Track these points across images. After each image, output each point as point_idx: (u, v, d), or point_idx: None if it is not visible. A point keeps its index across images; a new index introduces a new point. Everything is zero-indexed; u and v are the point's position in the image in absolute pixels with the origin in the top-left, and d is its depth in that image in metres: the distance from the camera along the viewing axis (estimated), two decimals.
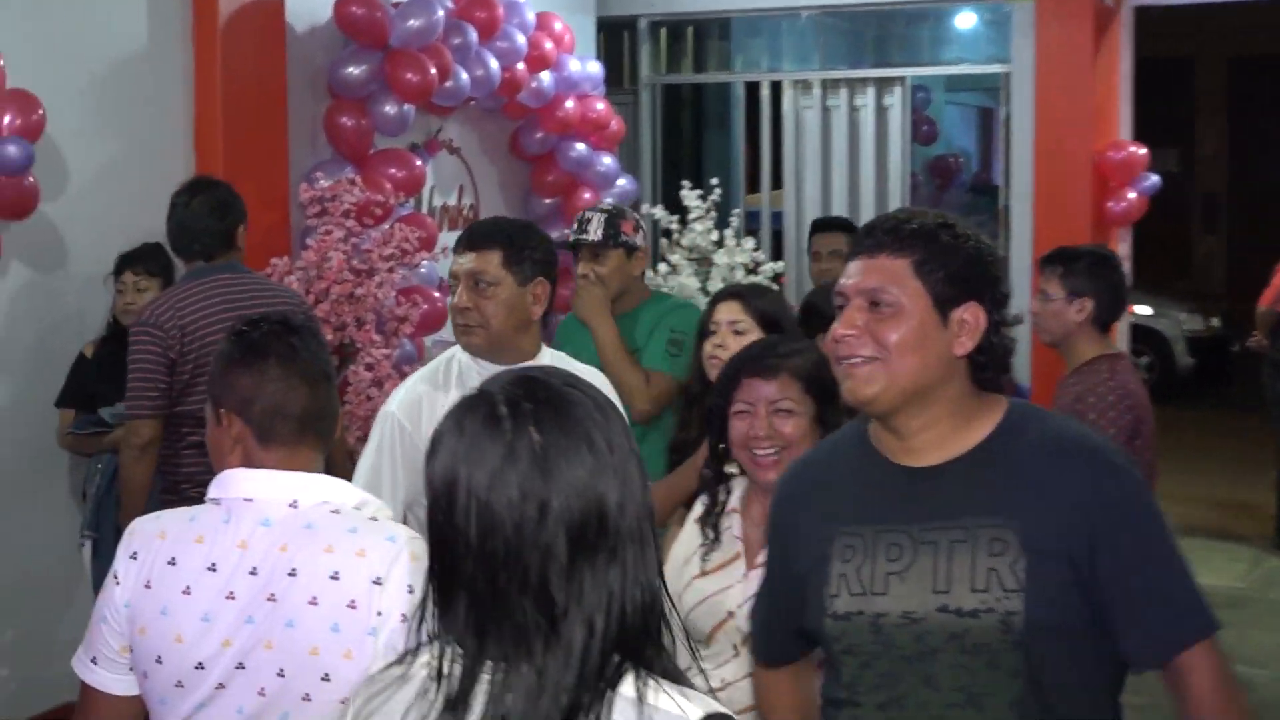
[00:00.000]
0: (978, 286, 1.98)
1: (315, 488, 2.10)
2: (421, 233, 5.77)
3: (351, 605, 2.01)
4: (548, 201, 7.35)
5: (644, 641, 1.36)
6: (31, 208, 4.79)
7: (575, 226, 4.15)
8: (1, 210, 4.57)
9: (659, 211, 6.75)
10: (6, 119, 4.66)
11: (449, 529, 1.38)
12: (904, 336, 1.95)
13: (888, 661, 1.95)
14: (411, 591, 1.99)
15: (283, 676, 2.03)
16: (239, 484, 2.11)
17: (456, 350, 3.10)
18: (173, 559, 2.10)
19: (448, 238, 6.52)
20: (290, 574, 2.05)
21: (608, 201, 4.25)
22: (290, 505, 2.09)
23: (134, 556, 2.13)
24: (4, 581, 4.89)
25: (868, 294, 1.97)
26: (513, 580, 1.35)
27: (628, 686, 1.36)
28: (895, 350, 1.95)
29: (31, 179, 4.75)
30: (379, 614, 2.00)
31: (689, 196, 6.56)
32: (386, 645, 1.99)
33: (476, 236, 3.00)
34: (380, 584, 2.01)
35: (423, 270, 6.08)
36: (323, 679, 2.01)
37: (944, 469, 1.96)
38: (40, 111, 4.77)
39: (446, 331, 5.83)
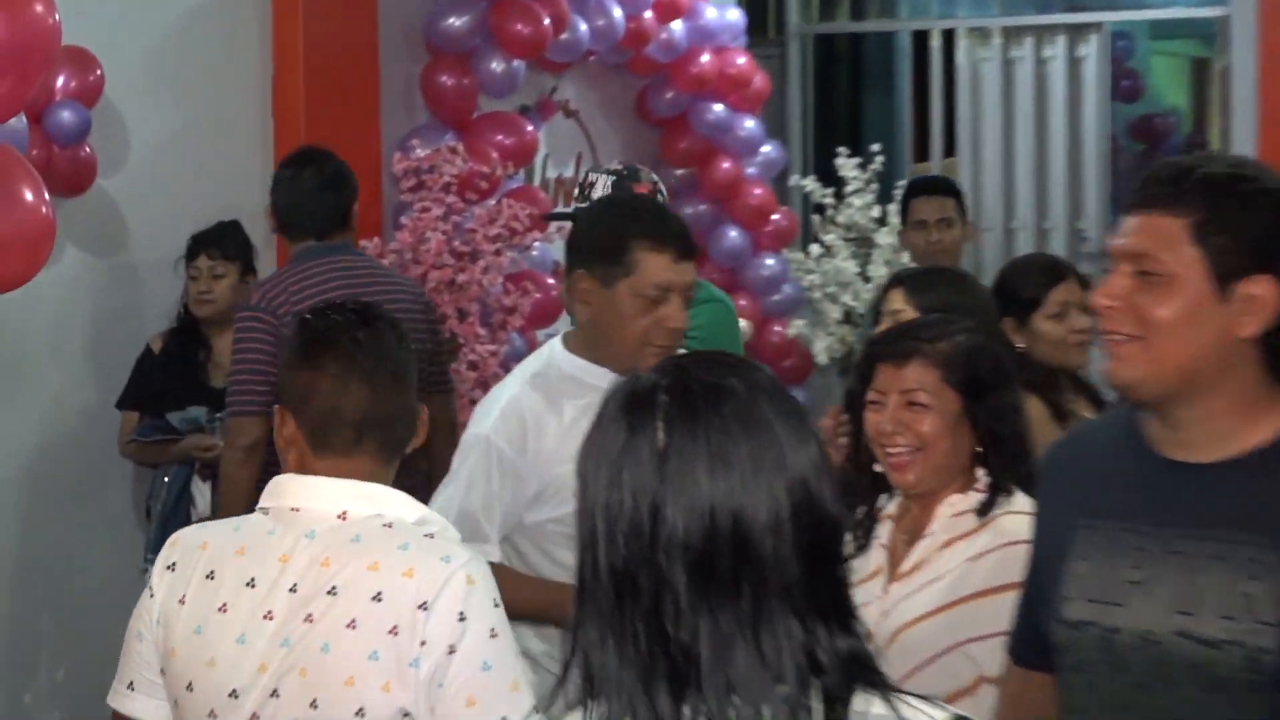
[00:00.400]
0: (1273, 255, 1.90)
1: (370, 498, 2.15)
2: (533, 209, 5.79)
3: (393, 631, 2.06)
4: (679, 172, 7.35)
5: (855, 675, 1.41)
6: (88, 182, 4.86)
7: (577, 193, 3.98)
8: (55, 185, 4.53)
9: (810, 183, 6.76)
10: (60, 81, 4.68)
11: (588, 540, 1.44)
12: (1171, 313, 1.89)
13: (1118, 687, 1.93)
14: (463, 619, 2.04)
15: (315, 708, 2.07)
16: (288, 491, 2.19)
17: (552, 351, 3.07)
18: (211, 572, 2.18)
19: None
20: (330, 592, 2.10)
21: (616, 163, 4.03)
22: (339, 516, 2.14)
23: (171, 568, 2.22)
24: (56, 611, 4.96)
25: (1134, 259, 1.92)
26: (634, 608, 1.40)
27: (876, 706, 1.41)
28: (1159, 329, 1.90)
29: (88, 149, 4.81)
30: (423, 643, 2.04)
31: (846, 166, 6.58)
32: (430, 680, 2.03)
33: (690, 242, 2.97)
34: (426, 609, 2.05)
35: (535, 253, 6.09)
36: (356, 714, 2.05)
37: (1215, 469, 1.91)
38: (98, 72, 4.80)
39: (562, 323, 5.84)
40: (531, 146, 6.19)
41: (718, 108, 7.14)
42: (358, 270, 4.32)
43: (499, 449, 2.98)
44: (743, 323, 5.62)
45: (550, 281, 6.11)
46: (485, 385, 5.33)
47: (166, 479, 4.76)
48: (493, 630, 2.10)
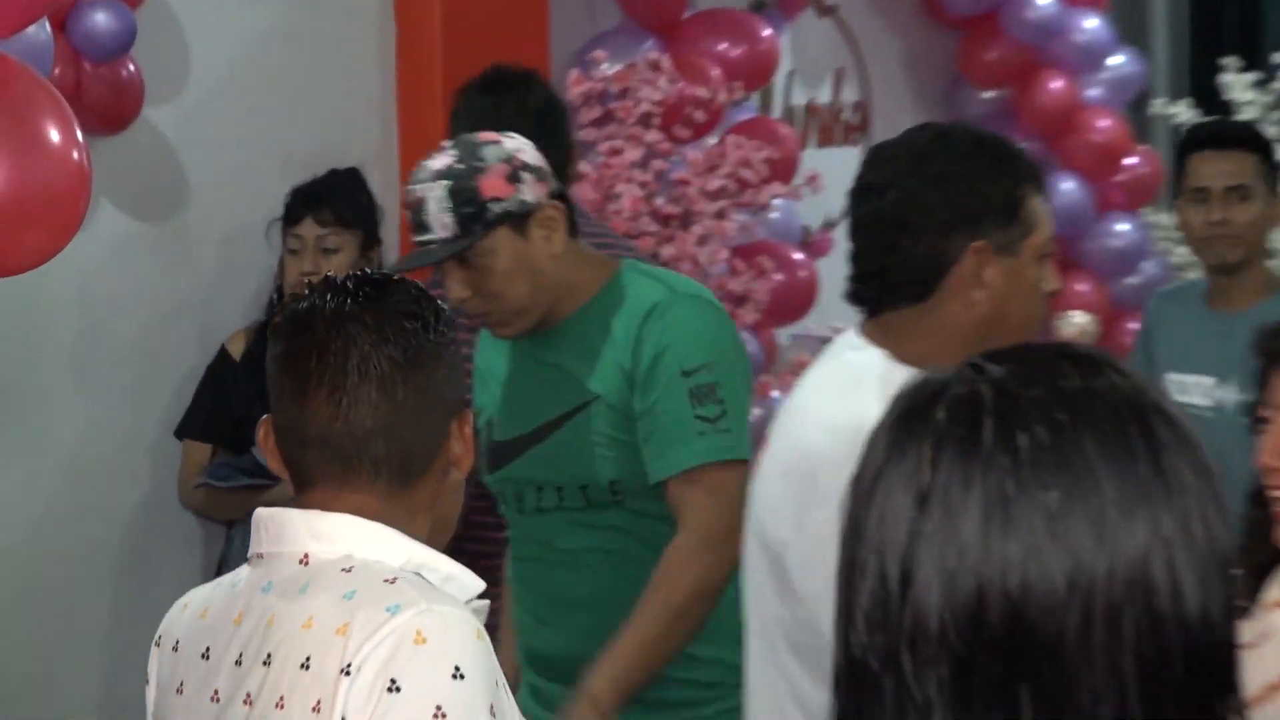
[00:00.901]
0: None
1: (346, 537, 2.30)
2: (772, 151, 5.75)
3: (316, 709, 2.20)
4: (987, 96, 7.27)
5: None
6: (133, 113, 4.89)
7: (411, 222, 3.69)
8: (87, 118, 4.36)
9: (1183, 110, 6.78)
10: None
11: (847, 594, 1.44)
12: None
13: None
14: (394, 689, 2.15)
15: None
16: (259, 531, 2.38)
17: (869, 362, 3.00)
18: (177, 643, 2.41)
19: (816, 159, 6.48)
20: (265, 662, 2.28)
21: (445, 154, 3.62)
22: (300, 561, 2.31)
23: (157, 642, 2.45)
24: (127, 681, 4.93)
25: None
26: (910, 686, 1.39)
27: None
28: None
29: (132, 67, 4.83)
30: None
31: (1236, 85, 6.63)
32: None
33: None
34: (349, 674, 2.18)
35: (775, 215, 6.00)
36: None
37: None
38: None
39: (814, 317, 6.02)
40: (769, 60, 6.16)
41: (1044, 1, 6.95)
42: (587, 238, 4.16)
43: None
44: (1080, 317, 5.92)
45: (797, 257, 6.02)
46: None
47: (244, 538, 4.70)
48: (438, 710, 2.15)
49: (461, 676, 2.18)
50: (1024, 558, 1.36)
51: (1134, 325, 6.83)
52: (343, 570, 2.27)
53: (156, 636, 2.46)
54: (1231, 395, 4.53)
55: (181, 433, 4.95)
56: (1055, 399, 1.40)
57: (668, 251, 5.49)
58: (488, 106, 4.29)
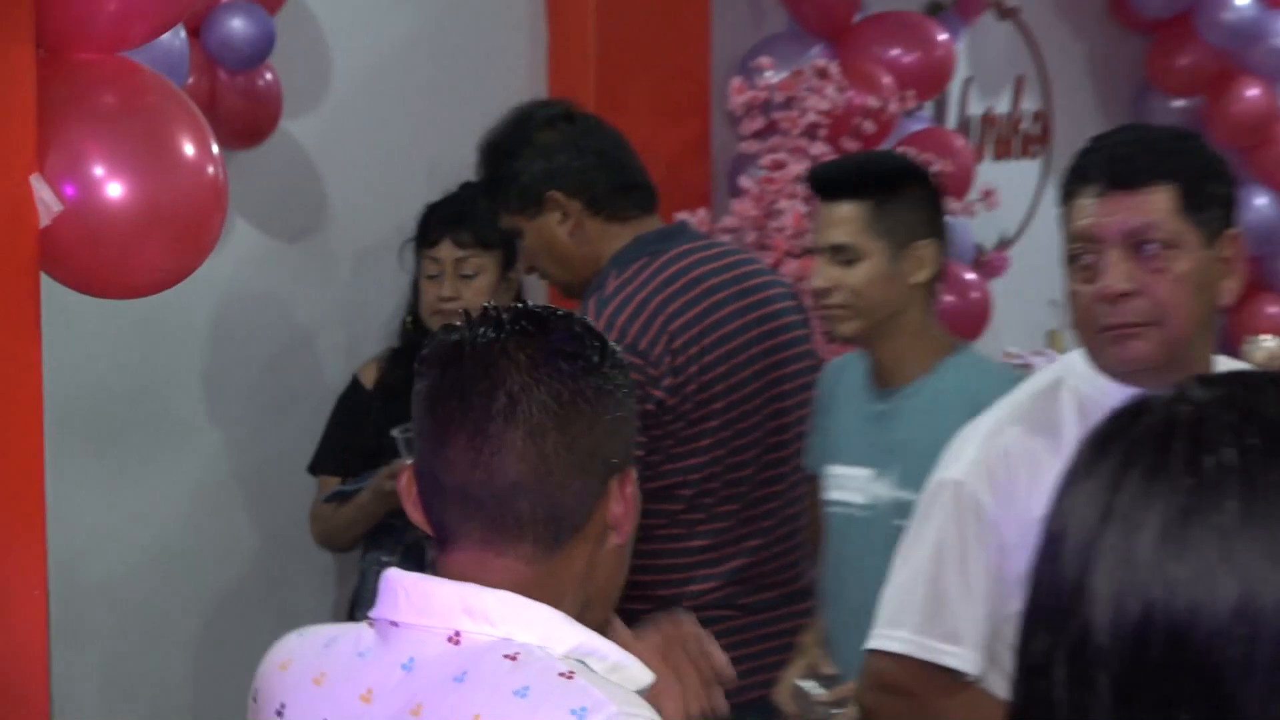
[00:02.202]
0: None
1: (502, 613, 2.17)
2: (946, 164, 5.71)
3: None
4: (1178, 105, 7.20)
5: None
6: (270, 126, 4.90)
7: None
8: (223, 130, 4.49)
9: None
10: None
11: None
12: None
13: None
14: None
15: None
16: (395, 595, 2.24)
17: (1065, 368, 3.19)
18: (281, 707, 2.29)
19: (992, 173, 6.47)
20: None
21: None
22: (450, 639, 2.17)
23: (254, 698, 2.36)
24: None
25: None
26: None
27: None
28: None
29: (270, 76, 4.85)
30: None
31: None
32: None
33: (1132, 162, 3.09)
34: None
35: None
36: None
37: None
38: None
39: (986, 343, 5.94)
40: (945, 66, 6.12)
41: (1241, 2, 6.86)
42: (725, 257, 4.35)
43: (977, 500, 3.14)
44: (1271, 341, 5.99)
45: (970, 278, 5.99)
46: None
47: (380, 563, 4.67)
48: None
49: None
50: (1193, 579, 1.38)
51: None
52: (505, 657, 2.13)
53: (252, 691, 2.35)
54: (886, 490, 3.98)
55: (315, 468, 4.92)
56: (1251, 424, 1.41)
57: None
58: (588, 126, 4.44)
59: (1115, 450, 1.45)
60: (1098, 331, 3.05)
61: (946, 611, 3.16)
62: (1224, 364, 3.20)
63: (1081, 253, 3.06)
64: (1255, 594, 1.37)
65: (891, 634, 3.16)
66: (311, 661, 2.30)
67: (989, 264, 6.38)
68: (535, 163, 4.25)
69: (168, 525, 4.87)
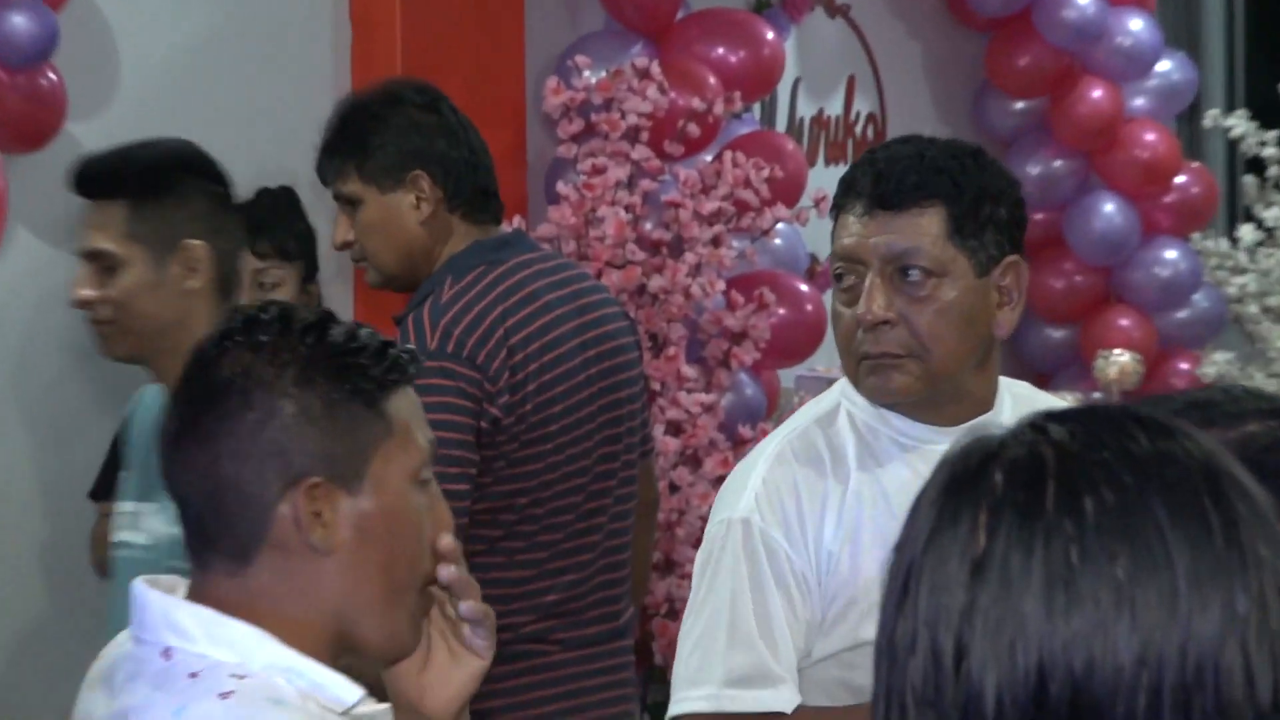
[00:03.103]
0: None
1: (198, 630, 2.20)
2: (775, 169, 5.60)
3: None
4: (1019, 107, 7.19)
5: None
6: (53, 129, 4.80)
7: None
8: (3, 133, 4.58)
9: (1239, 123, 6.52)
10: None
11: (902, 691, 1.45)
12: None
13: None
14: None
15: None
16: (134, 610, 2.29)
17: (842, 393, 3.16)
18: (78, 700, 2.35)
19: (823, 178, 6.31)
20: None
21: None
22: (163, 655, 2.22)
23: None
24: None
25: None
26: None
27: None
28: None
29: (53, 76, 4.74)
30: None
31: None
32: None
33: (898, 179, 3.07)
34: None
35: (778, 243, 5.89)
36: None
37: None
38: None
39: (821, 358, 5.99)
40: (773, 66, 6.05)
41: (1084, 1, 6.85)
42: (560, 271, 4.30)
43: (767, 535, 3.08)
44: (1123, 356, 6.01)
45: (803, 289, 5.92)
46: (694, 460, 5.48)
47: None
48: None
49: None
50: (1090, 633, 1.38)
51: (1185, 365, 7.18)
52: (190, 675, 2.16)
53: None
54: (164, 526, 3.68)
55: (96, 494, 4.80)
56: (1123, 462, 1.42)
57: (657, 283, 5.34)
58: (452, 116, 4.34)
59: (977, 496, 1.43)
60: (857, 360, 3.00)
61: (754, 654, 3.08)
62: (1007, 388, 3.17)
63: (844, 272, 2.99)
64: (1155, 645, 1.38)
65: (695, 694, 3.07)
66: (100, 659, 2.35)
67: (823, 274, 6.21)
68: (410, 138, 4.19)
69: None
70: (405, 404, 2.26)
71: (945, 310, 2.97)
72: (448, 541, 2.28)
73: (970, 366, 3.05)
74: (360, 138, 4.20)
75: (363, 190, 4.17)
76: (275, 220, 4.78)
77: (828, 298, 5.98)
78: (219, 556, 2.21)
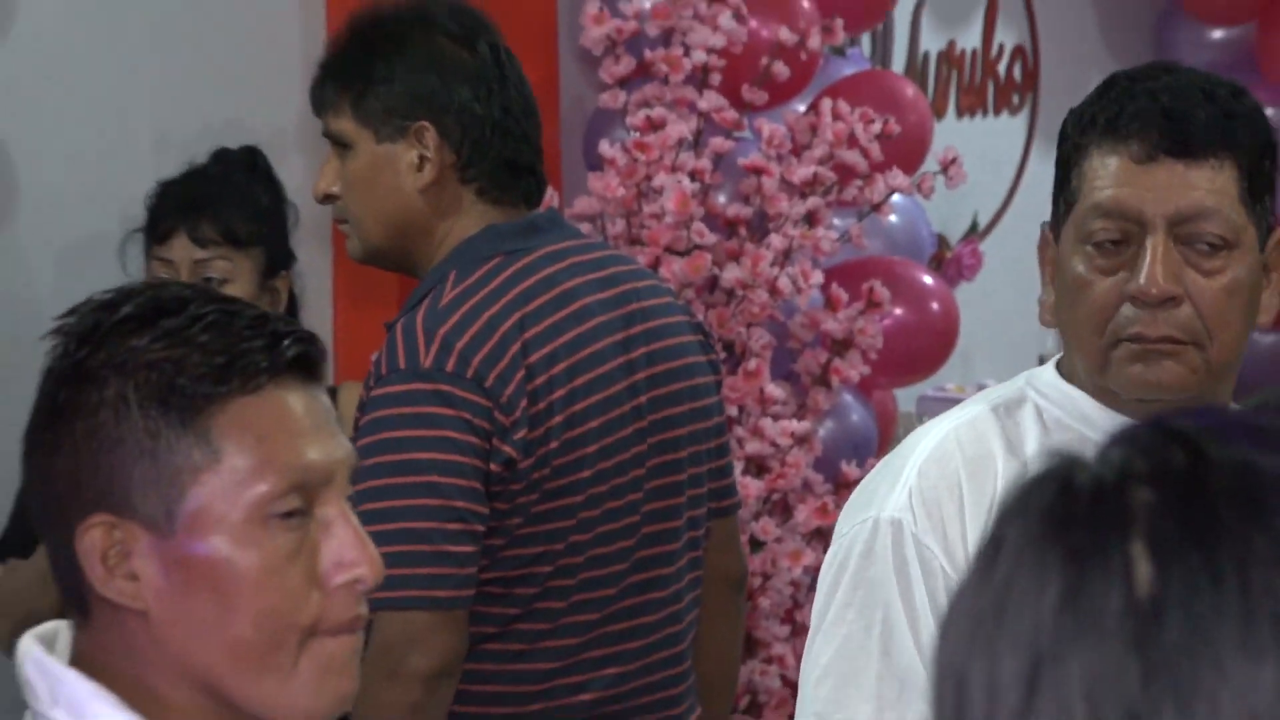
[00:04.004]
0: None
1: (44, 689, 2.17)
2: (891, 121, 5.14)
3: None
4: (1215, 37, 6.75)
5: None
6: None
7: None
8: None
9: None
10: None
11: None
12: None
13: None
14: None
15: None
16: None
17: (1029, 384, 2.90)
18: None
19: (957, 133, 6.17)
20: None
21: None
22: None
23: None
24: None
25: None
26: None
27: None
28: None
29: None
30: None
31: None
32: None
33: (1191, 121, 2.83)
34: None
35: (892, 220, 5.49)
36: None
37: None
38: None
39: (949, 374, 5.85)
40: None
41: None
42: (606, 267, 3.95)
43: (920, 544, 2.89)
44: None
45: (927, 283, 5.55)
46: (784, 507, 5.14)
47: None
48: None
49: None
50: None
51: None
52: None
53: None
54: None
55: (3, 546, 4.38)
56: (1244, 469, 1.23)
57: (732, 275, 4.88)
58: (502, 57, 4.00)
59: (1119, 520, 1.22)
60: (1119, 341, 2.84)
61: (906, 693, 2.87)
62: None
63: (1104, 231, 2.80)
64: None
65: None
66: None
67: (955, 262, 6.00)
68: (425, 77, 3.81)
69: None
70: (257, 415, 2.10)
71: (1236, 289, 2.85)
72: (344, 566, 2.14)
73: (1238, 363, 2.96)
74: (363, 63, 3.83)
75: (355, 132, 3.81)
76: (225, 194, 4.37)
77: (964, 293, 6.04)
78: (69, 602, 2.20)
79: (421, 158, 3.74)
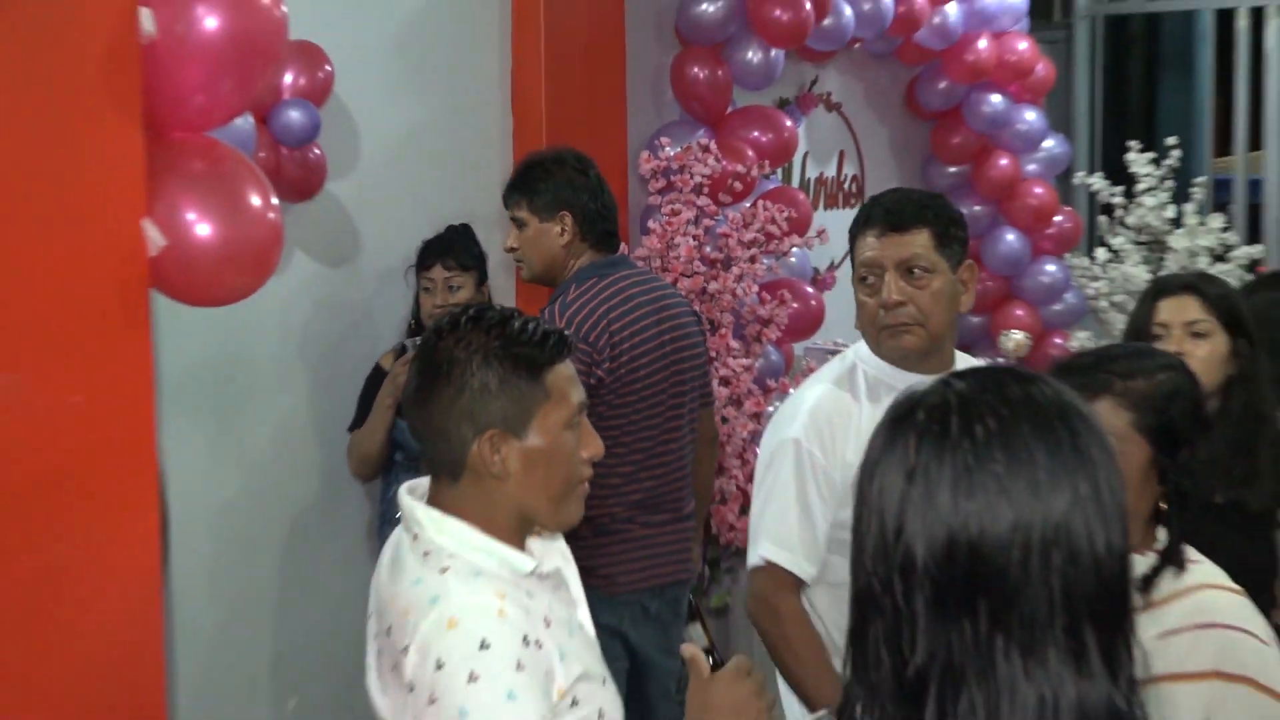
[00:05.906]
0: None
1: (427, 523, 2.23)
2: (791, 212, 5.63)
3: (394, 668, 2.16)
4: (952, 171, 7.21)
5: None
6: (318, 186, 4.79)
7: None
8: (284, 189, 4.50)
9: (1097, 181, 6.57)
10: (289, 78, 4.61)
11: (883, 573, 1.45)
12: None
13: None
14: (440, 667, 2.06)
15: None
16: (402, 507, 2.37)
17: (856, 356, 3.17)
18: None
19: (823, 218, 6.46)
20: (386, 631, 2.25)
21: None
22: (414, 537, 2.26)
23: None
24: (287, 635, 4.88)
25: None
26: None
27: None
28: None
29: (318, 151, 4.74)
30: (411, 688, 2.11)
31: (1138, 161, 6.43)
32: None
33: (901, 214, 3.04)
34: (406, 653, 2.13)
35: (793, 260, 5.90)
36: None
37: None
38: (327, 68, 4.72)
39: (821, 335, 6.00)
40: (790, 144, 5.95)
41: (996, 99, 6.92)
42: (649, 282, 4.23)
43: (810, 453, 3.06)
44: (1018, 335, 5.77)
45: (809, 290, 5.92)
46: (738, 402, 5.32)
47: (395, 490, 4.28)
48: (471, 674, 2.09)
49: (487, 646, 2.09)
50: (981, 511, 1.40)
51: (1060, 341, 7.02)
52: (424, 554, 2.22)
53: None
54: None
55: (354, 428, 4.74)
56: (1001, 401, 1.46)
57: (714, 287, 5.30)
58: (595, 176, 4.24)
59: (908, 429, 1.47)
60: (880, 330, 3.03)
61: (792, 538, 3.08)
62: (961, 357, 3.18)
63: (867, 275, 3.04)
64: (1025, 518, 1.40)
65: (780, 552, 3.05)
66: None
67: (822, 282, 6.30)
68: (564, 190, 4.11)
69: (253, 467, 4.70)
70: (562, 374, 2.23)
71: (937, 294, 2.99)
72: (590, 453, 2.26)
73: (949, 334, 3.05)
74: (532, 182, 4.12)
75: (528, 217, 4.11)
76: (460, 243, 4.71)
77: (828, 297, 5.96)
78: (442, 475, 2.25)
79: (563, 230, 4.07)
